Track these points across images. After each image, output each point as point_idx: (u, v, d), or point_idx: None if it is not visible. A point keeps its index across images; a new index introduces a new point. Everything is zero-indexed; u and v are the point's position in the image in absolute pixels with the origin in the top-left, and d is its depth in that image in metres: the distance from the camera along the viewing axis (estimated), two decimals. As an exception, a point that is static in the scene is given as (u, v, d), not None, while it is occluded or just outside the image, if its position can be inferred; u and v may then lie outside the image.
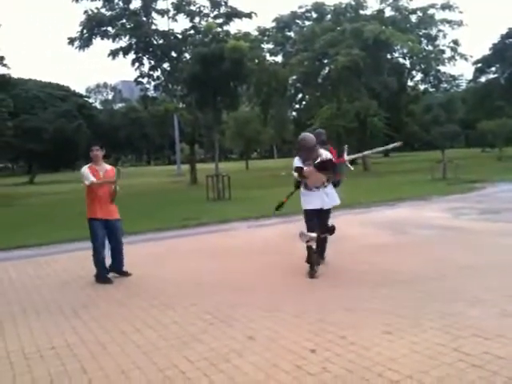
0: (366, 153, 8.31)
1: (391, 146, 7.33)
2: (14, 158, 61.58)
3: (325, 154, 6.55)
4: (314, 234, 6.49)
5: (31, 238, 10.90)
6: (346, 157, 6.64)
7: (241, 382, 3.63)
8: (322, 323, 4.71)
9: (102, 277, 6.96)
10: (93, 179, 6.82)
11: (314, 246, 6.66)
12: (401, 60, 38.68)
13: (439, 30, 37.01)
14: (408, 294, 5.49)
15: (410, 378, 3.49)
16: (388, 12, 36.12)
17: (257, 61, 28.58)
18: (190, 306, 5.52)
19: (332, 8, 36.25)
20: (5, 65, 34.26)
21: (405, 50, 34.52)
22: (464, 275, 6.16)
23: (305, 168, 6.37)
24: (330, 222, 6.97)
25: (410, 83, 42.94)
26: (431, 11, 36.04)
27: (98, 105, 78.99)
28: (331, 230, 6.86)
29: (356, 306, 5.14)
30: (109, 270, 7.14)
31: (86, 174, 6.89)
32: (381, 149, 8.24)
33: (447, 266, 6.62)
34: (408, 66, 39.14)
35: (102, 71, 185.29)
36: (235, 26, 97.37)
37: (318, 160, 6.33)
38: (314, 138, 6.57)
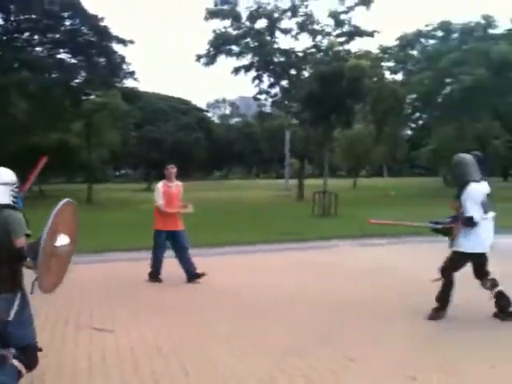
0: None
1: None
2: (134, 166, 65.81)
3: None
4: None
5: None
6: None
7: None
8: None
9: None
10: (162, 203, 7.70)
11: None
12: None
13: None
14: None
15: None
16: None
17: (375, 79, 28.35)
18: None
19: (459, 26, 35.01)
20: (135, 79, 36.96)
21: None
22: None
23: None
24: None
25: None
26: None
27: (215, 119, 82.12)
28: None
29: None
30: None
31: (158, 194, 7.84)
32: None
33: None
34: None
35: (220, 87, 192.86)
36: (356, 45, 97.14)
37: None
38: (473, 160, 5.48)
